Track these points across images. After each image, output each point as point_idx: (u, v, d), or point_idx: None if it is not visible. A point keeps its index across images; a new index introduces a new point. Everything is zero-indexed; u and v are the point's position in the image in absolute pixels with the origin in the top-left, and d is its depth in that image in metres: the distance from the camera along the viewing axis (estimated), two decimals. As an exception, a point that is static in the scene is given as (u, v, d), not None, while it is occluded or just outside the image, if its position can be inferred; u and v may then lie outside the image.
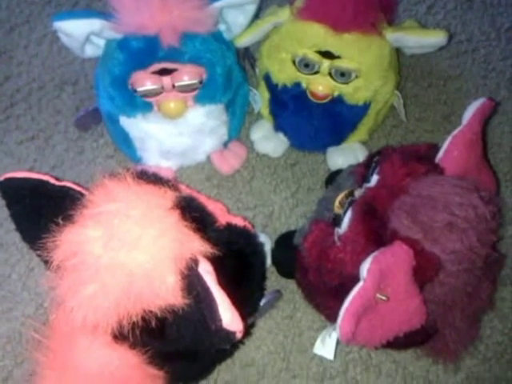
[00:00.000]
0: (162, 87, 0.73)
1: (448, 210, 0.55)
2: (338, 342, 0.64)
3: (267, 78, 0.82)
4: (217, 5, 0.70)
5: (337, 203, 0.67)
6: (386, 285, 0.54)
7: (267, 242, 0.73)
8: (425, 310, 0.57)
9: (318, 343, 0.66)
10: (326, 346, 0.65)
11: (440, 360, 0.70)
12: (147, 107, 0.75)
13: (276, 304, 0.75)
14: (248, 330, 0.68)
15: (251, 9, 0.74)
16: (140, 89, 0.73)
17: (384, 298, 0.54)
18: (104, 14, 0.70)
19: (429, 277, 0.56)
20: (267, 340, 0.74)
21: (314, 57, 0.75)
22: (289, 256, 0.71)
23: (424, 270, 0.55)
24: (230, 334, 0.50)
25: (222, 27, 0.77)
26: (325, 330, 0.66)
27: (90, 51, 0.76)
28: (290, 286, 0.76)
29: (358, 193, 0.66)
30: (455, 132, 0.61)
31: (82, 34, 0.70)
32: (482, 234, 0.56)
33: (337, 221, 0.65)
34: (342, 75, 0.75)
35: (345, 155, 0.83)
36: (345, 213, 0.64)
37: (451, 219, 0.54)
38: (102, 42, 0.75)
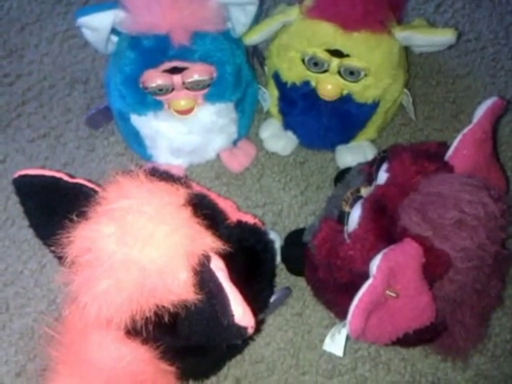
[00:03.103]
0: (173, 85, 0.74)
1: (458, 208, 0.55)
2: (347, 339, 0.65)
3: (276, 77, 0.82)
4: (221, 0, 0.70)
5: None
6: (395, 282, 0.55)
7: (277, 240, 0.73)
8: (435, 307, 0.57)
9: (327, 340, 0.66)
10: (335, 343, 0.65)
11: (449, 357, 0.70)
12: (158, 105, 0.76)
13: (285, 301, 0.75)
14: (258, 327, 0.69)
15: (251, 10, 0.73)
16: (151, 84, 0.73)
17: (393, 294, 0.55)
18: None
19: (438, 274, 0.56)
20: (277, 337, 0.74)
21: (323, 55, 0.75)
22: (298, 253, 0.71)
23: (434, 268, 0.55)
24: (241, 330, 0.50)
25: (230, 26, 0.77)
26: (334, 326, 0.67)
27: (112, 48, 0.76)
28: (300, 284, 0.76)
29: (364, 190, 0.66)
30: (465, 130, 0.61)
31: (106, 26, 0.70)
32: (492, 232, 0.56)
33: (342, 218, 0.65)
34: (351, 74, 0.75)
35: (354, 153, 0.83)
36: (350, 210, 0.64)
37: (461, 217, 0.54)
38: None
